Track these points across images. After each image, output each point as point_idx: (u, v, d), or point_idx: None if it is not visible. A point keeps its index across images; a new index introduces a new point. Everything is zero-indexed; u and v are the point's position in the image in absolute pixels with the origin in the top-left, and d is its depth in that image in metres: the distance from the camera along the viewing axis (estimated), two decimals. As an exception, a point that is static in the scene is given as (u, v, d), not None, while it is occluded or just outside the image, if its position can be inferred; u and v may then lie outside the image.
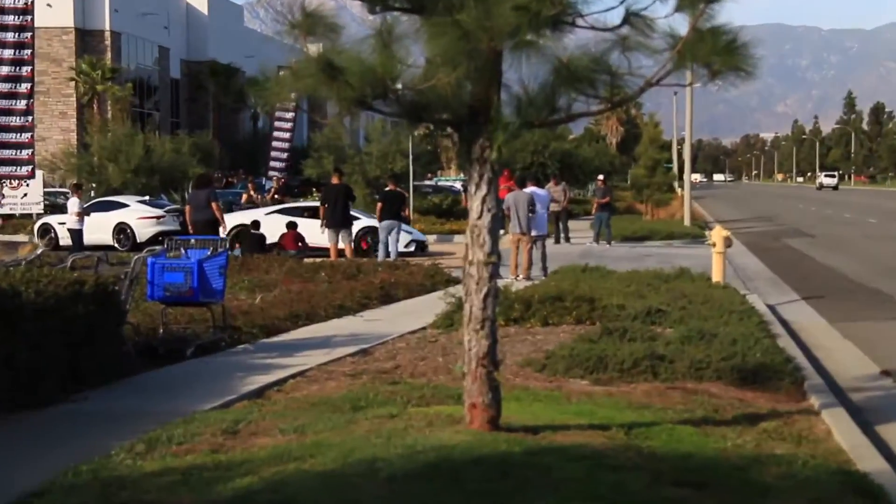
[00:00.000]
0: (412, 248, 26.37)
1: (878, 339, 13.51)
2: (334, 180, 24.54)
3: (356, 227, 25.28)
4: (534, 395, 8.74)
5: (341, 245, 23.21)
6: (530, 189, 21.10)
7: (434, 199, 40.78)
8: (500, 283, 14.79)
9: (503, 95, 7.00)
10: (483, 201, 7.07)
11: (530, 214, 20.02)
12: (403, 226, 25.09)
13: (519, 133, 7.08)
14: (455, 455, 6.26)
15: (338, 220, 23.07)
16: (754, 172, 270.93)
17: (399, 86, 6.81)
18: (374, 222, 25.02)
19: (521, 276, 19.89)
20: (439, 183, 52.64)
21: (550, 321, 13.27)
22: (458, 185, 49.36)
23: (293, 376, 9.95)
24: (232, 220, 25.94)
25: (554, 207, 31.11)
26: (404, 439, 6.80)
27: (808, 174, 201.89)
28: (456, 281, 17.11)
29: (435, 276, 18.83)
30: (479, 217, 7.07)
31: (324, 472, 6.06)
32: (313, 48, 7.03)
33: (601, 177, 34.25)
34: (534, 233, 20.46)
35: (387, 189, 24.91)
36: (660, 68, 6.94)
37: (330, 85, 6.63)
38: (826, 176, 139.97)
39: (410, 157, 37.01)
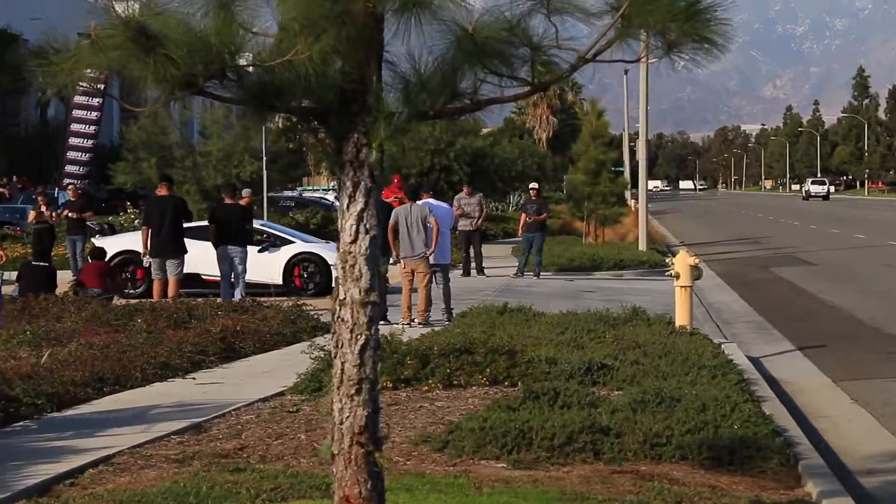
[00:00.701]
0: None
1: (898, 403, 13.89)
2: (160, 192, 24.32)
3: (288, 251, 25.58)
4: (432, 483, 8.76)
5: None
6: (425, 202, 21.24)
7: (298, 216, 40.77)
8: (386, 330, 14.96)
9: (386, 75, 7.05)
10: (359, 219, 7.10)
11: (425, 236, 20.17)
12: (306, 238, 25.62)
13: (408, 126, 7.14)
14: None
15: (165, 246, 22.89)
16: (734, 178, 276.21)
17: (243, 61, 6.84)
18: (312, 246, 25.48)
19: (415, 321, 19.98)
20: (304, 194, 52.69)
21: (456, 382, 13.33)
22: (330, 197, 49.37)
23: (94, 464, 9.84)
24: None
25: (464, 226, 31.38)
26: (251, 550, 6.80)
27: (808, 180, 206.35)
28: (326, 328, 17.12)
29: (297, 321, 18.83)
30: (354, 241, 7.10)
31: None
32: (122, 8, 7.02)
33: (534, 185, 34.48)
34: (432, 261, 20.60)
35: (225, 203, 24.85)
36: (598, 38, 7.08)
37: (145, 59, 6.61)
38: (814, 183, 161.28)
39: (264, 159, 36.90)
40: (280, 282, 25.65)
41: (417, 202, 20.80)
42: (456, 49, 6.99)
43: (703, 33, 6.98)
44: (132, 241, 26.11)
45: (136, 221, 37.76)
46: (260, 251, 25.65)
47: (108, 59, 6.76)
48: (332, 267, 24.86)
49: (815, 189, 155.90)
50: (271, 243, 26.36)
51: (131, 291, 25.63)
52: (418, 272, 20.35)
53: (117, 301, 22.42)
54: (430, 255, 20.39)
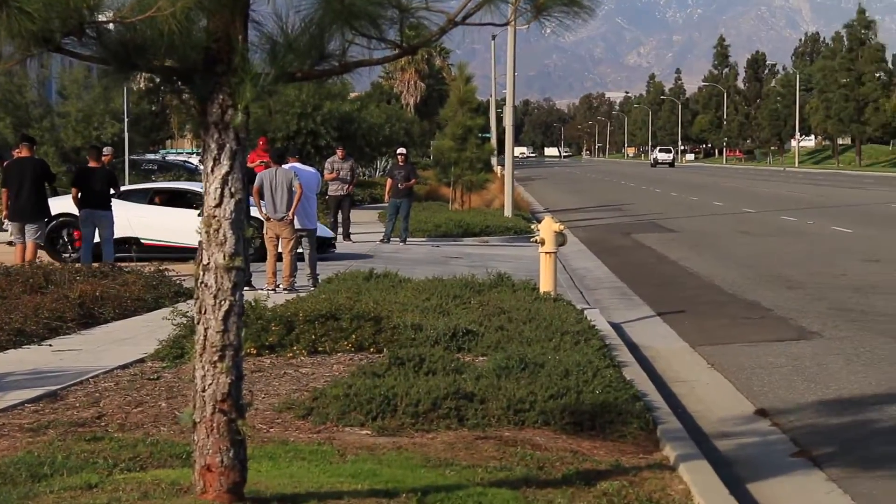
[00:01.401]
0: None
1: (754, 367, 14.09)
2: (20, 153, 23.67)
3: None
4: (295, 450, 8.68)
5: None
6: (291, 165, 21.09)
7: (161, 179, 40.22)
8: (250, 296, 14.80)
9: (252, 35, 6.92)
10: (224, 182, 6.98)
11: (291, 200, 20.04)
12: None
13: (275, 88, 7.01)
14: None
15: (25, 210, 22.35)
16: (598, 145, 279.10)
17: (103, 18, 6.64)
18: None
19: (280, 287, 19.84)
20: (168, 157, 51.98)
21: (321, 348, 13.25)
22: (194, 161, 48.68)
23: (-61, 433, 9.59)
24: None
25: (336, 191, 31.23)
26: (107, 522, 6.65)
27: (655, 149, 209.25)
28: (189, 294, 16.89)
29: (159, 286, 18.55)
30: (219, 204, 6.98)
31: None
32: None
33: (402, 151, 34.32)
34: (297, 225, 20.46)
35: (88, 166, 24.39)
36: (467, 1, 7.03)
37: (-3, 13, 6.42)
38: (661, 151, 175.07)
39: (126, 120, 36.34)
40: None
41: (283, 166, 20.62)
42: (324, 9, 6.88)
43: (573, -4, 6.97)
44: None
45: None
46: (199, 215, 24.82)
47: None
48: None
49: (661, 157, 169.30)
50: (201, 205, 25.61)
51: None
52: (283, 237, 20.19)
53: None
54: (291, 218, 20.21)
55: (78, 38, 6.52)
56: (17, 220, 22.24)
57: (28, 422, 9.98)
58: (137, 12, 6.58)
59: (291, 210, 20.12)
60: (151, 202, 26.51)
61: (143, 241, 25.36)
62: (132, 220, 25.05)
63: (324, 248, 25.58)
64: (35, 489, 7.51)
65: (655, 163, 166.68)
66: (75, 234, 25.31)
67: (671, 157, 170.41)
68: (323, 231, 26.07)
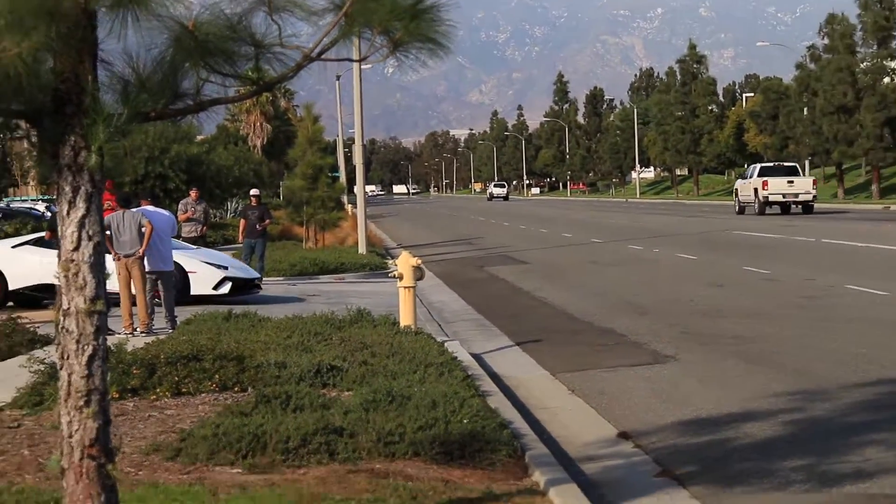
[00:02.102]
0: (225, 291, 24.62)
1: (614, 391, 14.19)
2: None
3: None
4: (165, 492, 8.53)
5: None
6: (141, 208, 20.84)
7: (7, 227, 39.47)
8: (111, 340, 14.48)
9: (103, 75, 6.76)
10: (81, 225, 6.80)
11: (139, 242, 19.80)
12: (198, 254, 24.71)
13: (128, 128, 6.84)
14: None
15: None
16: (445, 181, 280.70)
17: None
18: None
19: (137, 330, 19.49)
20: (12, 205, 51.07)
21: (184, 389, 13.02)
22: (40, 207, 47.86)
23: None
24: None
25: (190, 232, 30.90)
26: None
27: (515, 182, 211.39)
28: (45, 341, 16.51)
29: (12, 335, 18.06)
30: (76, 248, 6.79)
31: None
32: None
33: (255, 192, 34.13)
34: (150, 267, 20.13)
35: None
36: (322, 35, 6.96)
37: None
38: (496, 186, 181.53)
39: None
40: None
41: (132, 209, 20.28)
42: (176, 47, 6.76)
43: (429, 33, 6.95)
44: None
45: None
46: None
47: None
48: (188, 273, 24.00)
49: (496, 191, 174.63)
50: None
51: None
52: (134, 277, 19.83)
53: None
54: (141, 256, 19.88)
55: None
56: None
57: None
58: (-21, 54, 6.39)
59: (142, 248, 19.77)
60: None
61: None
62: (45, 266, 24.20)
63: (247, 290, 25.24)
64: None
65: (491, 197, 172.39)
66: None
67: (505, 191, 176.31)
68: (246, 271, 25.79)
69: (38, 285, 23.99)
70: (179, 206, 32.16)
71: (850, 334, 17.97)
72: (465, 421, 10.56)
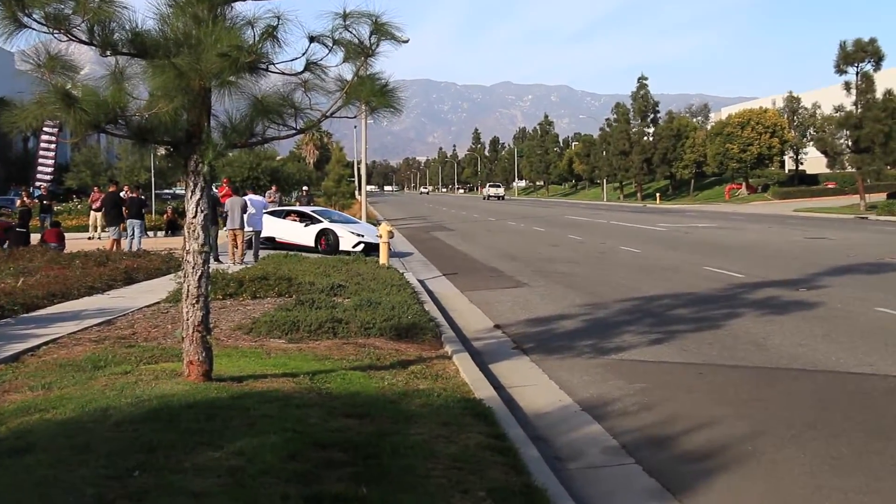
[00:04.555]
0: (359, 249, 22.13)
1: (493, 302, 14.14)
2: (110, 189, 22.87)
3: (317, 227, 22.89)
4: (241, 352, 8.41)
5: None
6: (248, 197, 20.77)
7: (172, 203, 38.73)
8: (220, 267, 14.24)
9: (212, 122, 6.66)
10: (197, 204, 6.70)
11: (244, 214, 19.53)
12: (351, 227, 23.31)
13: (225, 152, 6.76)
14: (174, 402, 5.88)
15: (111, 220, 21.91)
16: (413, 185, 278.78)
17: (128, 113, 6.28)
18: (330, 224, 22.89)
19: (236, 262, 19.26)
20: (176, 192, 50.08)
21: (258, 295, 12.88)
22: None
23: (46, 343, 9.02)
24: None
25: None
26: (134, 391, 6.33)
27: (449, 185, 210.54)
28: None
29: (170, 262, 17.80)
30: (194, 216, 6.69)
31: (63, 420, 5.49)
32: (55, 80, 6.33)
33: (305, 188, 33.65)
34: (248, 229, 19.94)
35: (132, 196, 23.28)
36: (332, 104, 6.86)
37: (67, 111, 6.01)
38: (491, 186, 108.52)
39: (153, 171, 34.96)
40: (312, 244, 22.72)
41: (240, 196, 20.01)
42: (252, 108, 6.69)
43: (390, 103, 6.86)
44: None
45: (79, 206, 35.99)
46: (305, 226, 23.12)
47: (46, 110, 6.12)
48: (338, 237, 22.44)
49: (492, 191, 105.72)
50: (311, 221, 23.38)
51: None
52: (238, 234, 19.55)
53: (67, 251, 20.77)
54: (242, 225, 19.59)
55: (114, 124, 6.16)
56: (110, 225, 21.89)
57: (93, 336, 9.48)
58: (147, 110, 6.25)
59: (243, 220, 19.50)
60: (284, 218, 24.18)
61: (276, 239, 23.36)
62: (272, 226, 23.45)
63: (375, 250, 21.83)
64: (95, 374, 7.14)
65: (487, 197, 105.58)
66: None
67: (502, 192, 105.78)
68: (375, 238, 22.68)
69: (268, 237, 23.17)
70: (266, 194, 31.60)
71: (620, 273, 18.01)
72: (409, 317, 10.49)
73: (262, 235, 23.22)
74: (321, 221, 23.43)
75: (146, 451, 4.86)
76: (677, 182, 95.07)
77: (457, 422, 5.94)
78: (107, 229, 22.23)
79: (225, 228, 19.85)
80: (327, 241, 22.68)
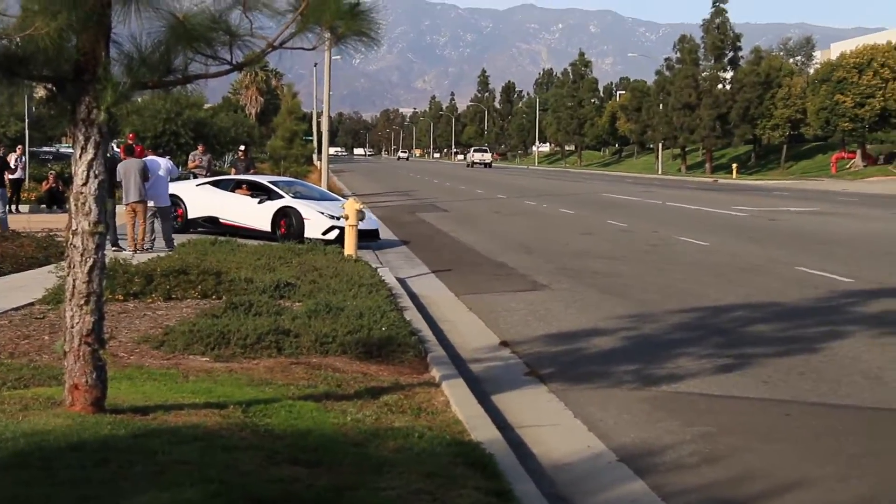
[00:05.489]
0: (332, 237, 21.66)
1: (501, 310, 14.16)
2: None
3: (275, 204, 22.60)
4: (148, 373, 8.44)
5: None
6: (148, 158, 20.46)
7: (55, 167, 38.75)
8: (120, 255, 14.26)
9: (113, 52, 6.66)
10: (89, 166, 6.70)
11: (145, 183, 19.41)
12: (322, 204, 22.84)
13: (130, 94, 6.77)
14: (49, 441, 5.89)
15: None
16: (394, 147, 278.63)
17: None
18: (291, 201, 22.50)
19: (139, 248, 19.20)
20: (61, 150, 50.12)
21: (174, 296, 12.91)
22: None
23: None
24: None
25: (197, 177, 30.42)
26: (-6, 426, 6.32)
27: (445, 150, 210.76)
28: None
29: (49, 248, 17.81)
30: (85, 183, 6.69)
31: None
32: None
33: (242, 147, 33.52)
34: (151, 203, 19.80)
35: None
36: (282, 30, 6.87)
37: None
38: (476, 151, 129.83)
39: (26, 119, 34.97)
40: (268, 228, 22.45)
41: (136, 158, 19.89)
42: (170, 33, 6.68)
43: (363, 29, 6.88)
44: None
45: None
46: (259, 203, 22.83)
47: None
48: (304, 219, 22.01)
49: (478, 157, 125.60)
50: (267, 196, 23.03)
51: None
52: (138, 210, 19.54)
53: None
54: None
55: (-32, 49, 6.15)
56: None
57: (-63, 352, 9.45)
58: (19, 31, 6.24)
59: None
60: (232, 191, 23.92)
61: (220, 220, 23.33)
62: (214, 203, 23.48)
63: (372, 238, 22.56)
64: (-62, 404, 7.09)
65: (471, 164, 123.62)
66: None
67: (489, 158, 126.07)
68: (371, 223, 22.87)
69: (208, 216, 23.45)
70: (189, 156, 31.59)
71: (677, 273, 18.09)
72: (383, 328, 10.53)
73: (201, 215, 23.33)
74: (281, 196, 22.97)
75: (9, 511, 4.87)
76: (763, 148, 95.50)
77: (445, 473, 5.94)
78: None
79: (122, 203, 19.78)
80: (288, 225, 22.26)
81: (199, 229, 23.31)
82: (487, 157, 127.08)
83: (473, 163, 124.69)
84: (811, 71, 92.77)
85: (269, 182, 24.11)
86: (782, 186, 64.21)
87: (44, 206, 33.10)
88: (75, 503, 4.96)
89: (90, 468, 5.45)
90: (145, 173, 19.45)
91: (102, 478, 5.31)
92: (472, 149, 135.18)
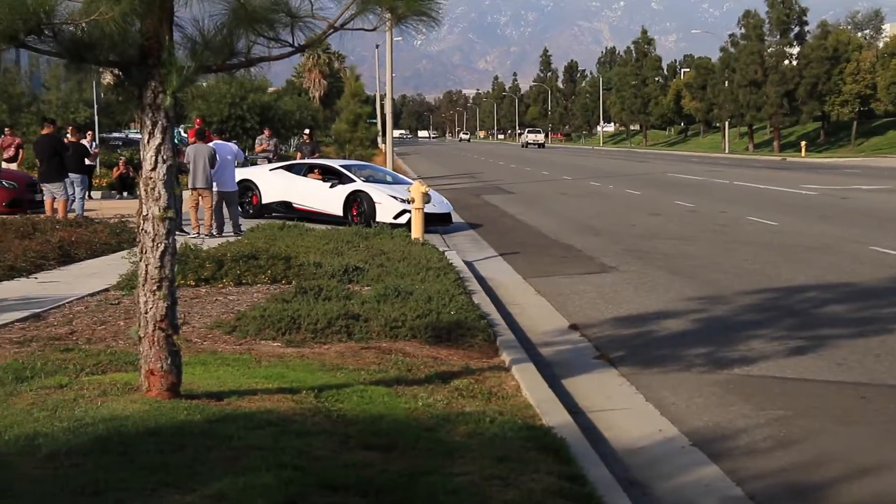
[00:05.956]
0: (403, 220, 21.12)
1: (569, 293, 14.08)
2: (45, 131, 22.01)
3: (346, 188, 22.49)
4: (221, 358, 8.47)
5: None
6: (215, 143, 20.53)
7: (125, 152, 39.27)
8: (187, 241, 14.40)
9: (176, 36, 6.66)
10: (157, 151, 6.71)
11: (211, 169, 19.52)
12: (394, 188, 22.51)
13: (194, 77, 6.76)
14: (127, 427, 5.93)
15: (51, 174, 21.28)
16: (458, 129, 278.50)
17: (57, 19, 6.28)
18: (364, 185, 22.28)
19: (203, 233, 19.31)
20: (130, 135, 50.72)
21: (244, 281, 12.99)
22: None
23: (-52, 345, 9.18)
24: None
25: (263, 161, 30.69)
26: (72, 411, 6.41)
27: (509, 131, 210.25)
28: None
29: (121, 233, 18.04)
30: (154, 168, 6.71)
31: (-28, 453, 5.56)
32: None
33: (307, 131, 33.62)
34: (216, 188, 19.90)
35: (72, 141, 23.54)
36: (343, 10, 6.82)
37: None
38: (530, 132, 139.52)
39: (95, 106, 35.41)
40: (341, 213, 22.35)
41: (207, 143, 20.03)
42: (232, 16, 6.67)
43: (423, 9, 6.82)
44: None
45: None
46: (330, 187, 22.76)
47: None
48: (375, 203, 21.83)
49: (532, 138, 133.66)
50: (339, 180, 22.93)
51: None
52: (203, 196, 19.68)
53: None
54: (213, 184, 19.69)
55: (38, 36, 6.18)
56: (45, 182, 21.49)
57: (16, 336, 9.61)
58: (84, 16, 6.26)
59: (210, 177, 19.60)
60: (305, 175, 23.90)
61: (294, 204, 23.28)
62: (287, 187, 23.45)
63: (435, 222, 21.93)
64: (18, 388, 7.23)
65: (525, 145, 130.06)
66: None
67: (542, 139, 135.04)
68: (443, 207, 22.85)
69: (281, 202, 23.51)
70: (257, 140, 31.82)
71: (747, 254, 17.84)
72: (452, 312, 10.50)
73: (275, 199, 23.31)
74: (353, 180, 22.72)
75: (90, 495, 4.89)
76: (832, 125, 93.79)
77: (517, 458, 5.91)
78: (45, 187, 21.93)
79: (188, 188, 19.94)
80: (359, 209, 22.09)
81: (273, 214, 23.39)
82: (541, 137, 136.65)
83: (528, 143, 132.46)
84: (880, 45, 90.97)
85: (341, 166, 23.97)
86: (853, 164, 63.10)
87: (115, 192, 33.53)
88: (156, 488, 4.99)
89: (168, 453, 5.49)
90: (214, 159, 19.58)
91: (179, 463, 5.34)
92: (527, 129, 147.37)
